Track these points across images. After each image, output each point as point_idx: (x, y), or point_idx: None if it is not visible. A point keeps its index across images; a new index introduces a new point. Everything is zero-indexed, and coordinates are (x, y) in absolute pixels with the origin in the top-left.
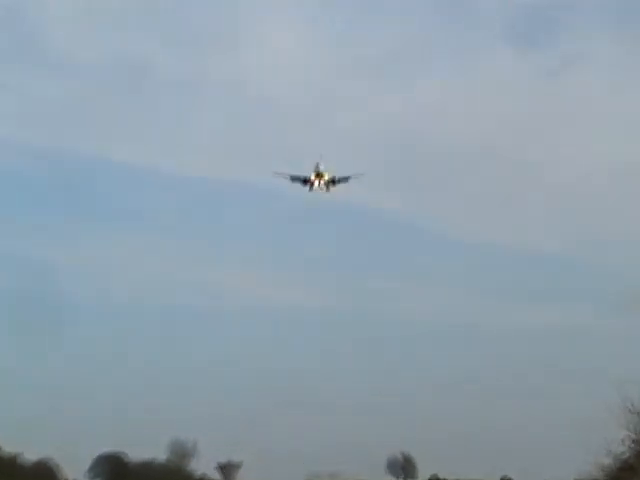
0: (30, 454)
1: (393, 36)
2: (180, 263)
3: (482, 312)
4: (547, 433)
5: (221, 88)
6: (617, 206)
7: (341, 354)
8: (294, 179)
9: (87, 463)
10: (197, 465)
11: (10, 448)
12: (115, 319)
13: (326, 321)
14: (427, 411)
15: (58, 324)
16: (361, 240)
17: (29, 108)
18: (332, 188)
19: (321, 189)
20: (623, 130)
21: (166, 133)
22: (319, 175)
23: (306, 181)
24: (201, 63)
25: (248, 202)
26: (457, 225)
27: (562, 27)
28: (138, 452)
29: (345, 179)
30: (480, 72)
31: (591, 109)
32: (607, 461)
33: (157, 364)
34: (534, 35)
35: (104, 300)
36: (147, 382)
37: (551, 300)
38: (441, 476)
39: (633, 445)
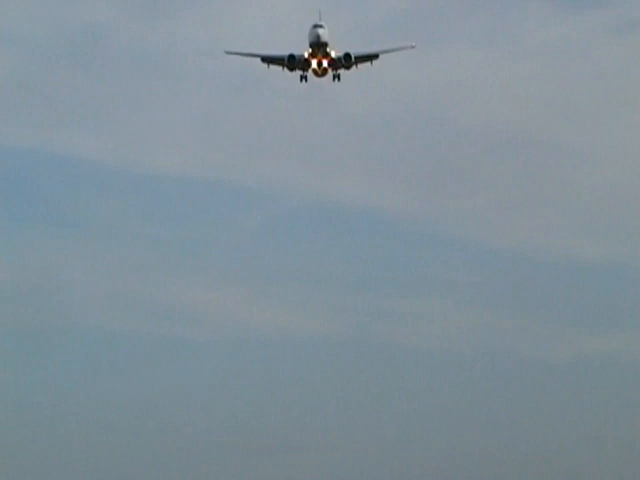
0: None
1: None
2: (147, 281)
3: (520, 337)
4: None
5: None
6: None
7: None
8: (271, 61)
9: None
10: None
11: None
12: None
13: (325, 351)
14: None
15: None
16: (367, 250)
17: None
18: (343, 73)
19: (321, 74)
20: None
21: (127, 119)
22: (320, 48)
23: (294, 63)
24: (169, 30)
25: (230, 204)
26: (484, 230)
27: None
28: None
29: (369, 57)
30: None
31: None
32: None
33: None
34: None
35: (51, 324)
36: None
37: (600, 320)
38: None
39: None
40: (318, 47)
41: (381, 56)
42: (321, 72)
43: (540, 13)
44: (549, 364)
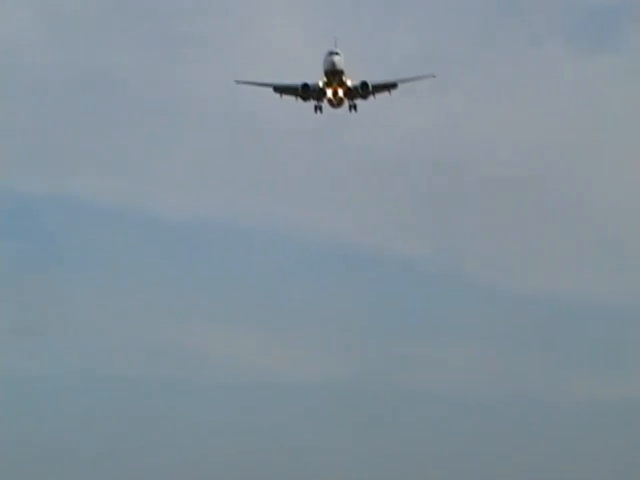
0: None
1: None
2: (159, 325)
3: (540, 383)
4: None
5: (203, 106)
6: None
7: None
8: (284, 91)
9: None
10: None
11: None
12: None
13: (341, 396)
14: None
15: None
16: (384, 293)
17: None
18: (359, 102)
19: (337, 104)
20: None
21: (141, 163)
22: (335, 77)
23: (308, 93)
24: (179, 77)
25: (243, 247)
26: (502, 273)
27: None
28: None
29: (387, 86)
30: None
31: None
32: None
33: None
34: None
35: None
36: None
37: (626, 364)
38: None
39: None
40: (333, 75)
41: (400, 86)
42: (337, 102)
43: (554, 56)
44: (569, 409)
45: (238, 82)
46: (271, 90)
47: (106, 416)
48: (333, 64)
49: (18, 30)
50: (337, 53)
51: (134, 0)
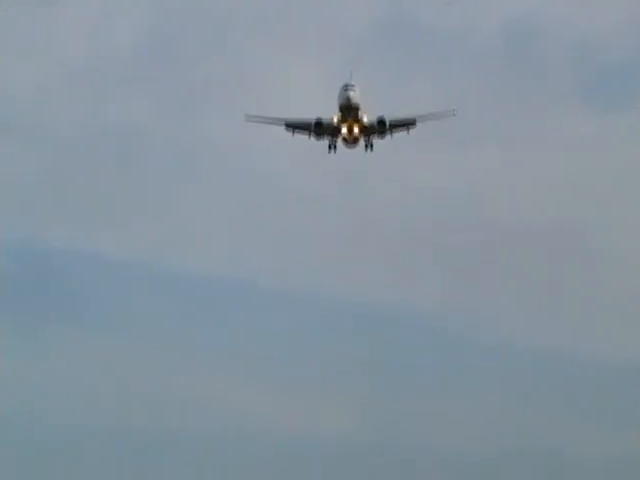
0: None
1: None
2: (175, 379)
3: (545, 438)
4: None
5: (222, 158)
6: None
7: None
8: (296, 127)
9: None
10: None
11: None
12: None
13: (350, 451)
14: None
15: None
16: (393, 350)
17: None
18: (377, 141)
19: (352, 143)
20: None
21: (158, 217)
22: (350, 112)
23: (322, 129)
24: (198, 129)
25: (256, 304)
26: (510, 328)
27: None
28: None
29: (405, 123)
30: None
31: None
32: None
33: None
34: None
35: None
36: None
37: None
38: None
39: None
40: (348, 111)
41: (418, 133)
42: (352, 140)
43: (571, 113)
44: (573, 464)
45: (248, 118)
46: (283, 130)
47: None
48: (348, 99)
49: (36, 86)
50: (352, 87)
51: (148, 49)
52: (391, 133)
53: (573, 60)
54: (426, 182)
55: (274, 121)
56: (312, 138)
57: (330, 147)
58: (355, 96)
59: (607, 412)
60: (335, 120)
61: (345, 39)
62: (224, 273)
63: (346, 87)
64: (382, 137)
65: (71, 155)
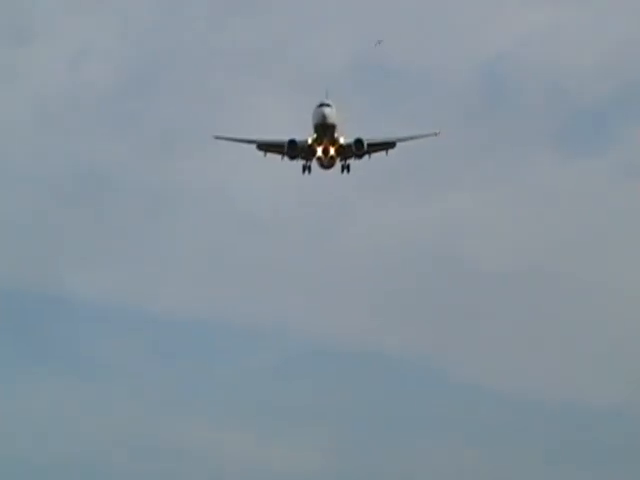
0: None
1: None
2: (149, 422)
3: None
4: None
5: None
6: None
7: None
8: (269, 148)
9: None
10: None
11: None
12: None
13: None
14: None
15: None
16: (371, 391)
17: None
18: (352, 163)
19: (328, 165)
20: None
21: (131, 258)
22: (326, 132)
23: (296, 150)
24: (175, 170)
25: (232, 344)
26: (490, 372)
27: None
28: None
29: (384, 145)
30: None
31: None
32: None
33: None
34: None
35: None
36: None
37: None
38: None
39: None
40: (324, 130)
41: (399, 145)
42: (327, 162)
43: (544, 157)
44: None
45: (217, 137)
46: (254, 149)
47: None
48: (324, 117)
49: (8, 124)
50: (328, 105)
51: (124, 89)
52: (369, 155)
53: (547, 103)
54: (394, 220)
55: (245, 141)
56: (285, 159)
57: (304, 168)
58: (331, 114)
59: (577, 458)
60: (310, 141)
61: (322, 79)
62: (200, 315)
63: (321, 104)
64: (360, 158)
65: (43, 194)
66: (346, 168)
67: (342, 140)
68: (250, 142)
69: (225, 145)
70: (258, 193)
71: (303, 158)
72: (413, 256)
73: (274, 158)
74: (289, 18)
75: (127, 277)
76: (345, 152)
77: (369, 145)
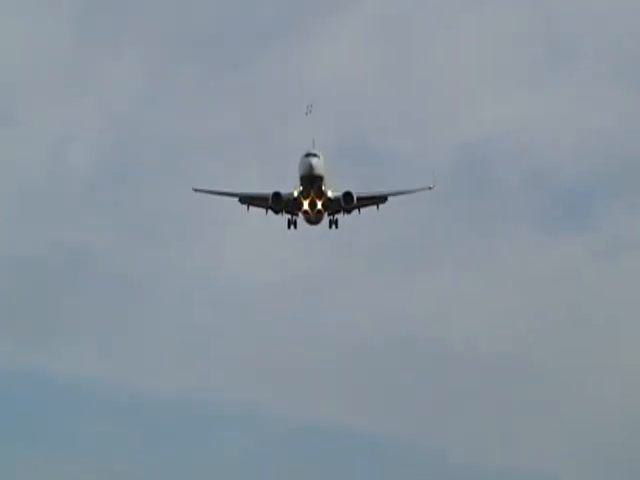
0: None
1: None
2: None
3: None
4: None
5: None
6: None
7: None
8: (252, 201)
9: None
10: None
11: None
12: None
13: None
14: None
15: None
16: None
17: None
18: (342, 218)
19: (315, 220)
20: None
21: (113, 340)
22: (313, 184)
23: (280, 203)
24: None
25: (213, 426)
26: (473, 454)
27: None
28: None
29: (375, 199)
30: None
31: None
32: None
33: None
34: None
35: None
36: None
37: None
38: None
39: None
40: (311, 182)
41: (390, 199)
42: (314, 216)
43: (525, 237)
44: None
45: (197, 190)
46: (237, 203)
47: None
48: (311, 167)
49: None
50: (315, 155)
51: (105, 172)
52: (359, 210)
53: (527, 184)
54: (376, 298)
55: (226, 194)
56: (270, 213)
57: (290, 223)
58: (319, 165)
59: None
60: (295, 194)
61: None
62: (186, 394)
63: (308, 154)
64: (349, 213)
65: (24, 275)
66: (334, 223)
67: (330, 193)
68: (231, 195)
69: (208, 227)
70: (239, 271)
71: (288, 212)
72: (392, 337)
73: (258, 217)
74: (272, 102)
75: (109, 358)
76: (333, 206)
77: (359, 199)
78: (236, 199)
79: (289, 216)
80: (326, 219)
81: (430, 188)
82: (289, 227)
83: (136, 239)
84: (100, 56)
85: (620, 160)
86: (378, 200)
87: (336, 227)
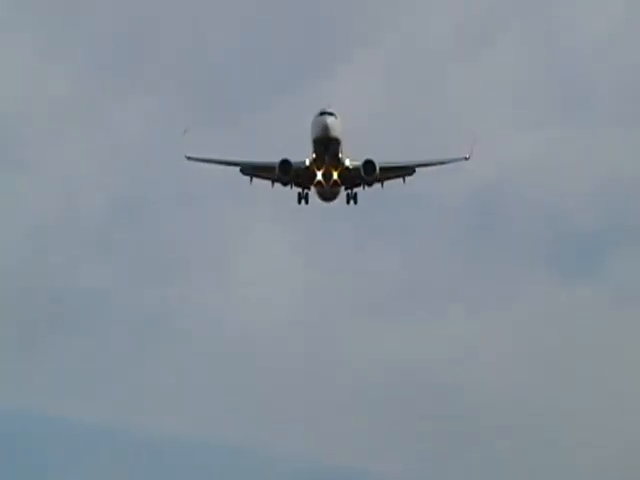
0: None
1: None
2: None
3: None
4: None
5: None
6: None
7: None
8: (255, 172)
9: None
10: None
11: None
12: None
13: None
14: None
15: None
16: None
17: None
18: (361, 192)
19: (330, 195)
20: None
21: (122, 383)
22: (329, 148)
23: (289, 173)
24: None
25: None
26: None
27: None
28: None
29: (400, 170)
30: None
31: None
32: None
33: None
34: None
35: None
36: None
37: None
38: None
39: None
40: (326, 146)
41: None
42: (329, 190)
43: (538, 281)
44: None
45: (190, 158)
46: (238, 174)
47: None
48: (326, 128)
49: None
50: (332, 114)
51: (115, 214)
52: (382, 182)
53: (541, 228)
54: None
55: (225, 163)
56: (277, 186)
57: (300, 197)
58: (335, 125)
59: None
60: (307, 162)
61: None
62: (193, 434)
63: (322, 113)
64: (370, 185)
65: (34, 319)
66: (352, 198)
67: (348, 162)
68: (232, 164)
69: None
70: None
71: (298, 185)
72: (407, 382)
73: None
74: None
75: (121, 402)
76: (352, 178)
77: (382, 169)
78: (237, 169)
79: (299, 189)
80: (343, 194)
81: (466, 158)
82: (299, 202)
83: (143, 281)
84: (111, 101)
85: (637, 205)
86: (404, 171)
87: (355, 203)
